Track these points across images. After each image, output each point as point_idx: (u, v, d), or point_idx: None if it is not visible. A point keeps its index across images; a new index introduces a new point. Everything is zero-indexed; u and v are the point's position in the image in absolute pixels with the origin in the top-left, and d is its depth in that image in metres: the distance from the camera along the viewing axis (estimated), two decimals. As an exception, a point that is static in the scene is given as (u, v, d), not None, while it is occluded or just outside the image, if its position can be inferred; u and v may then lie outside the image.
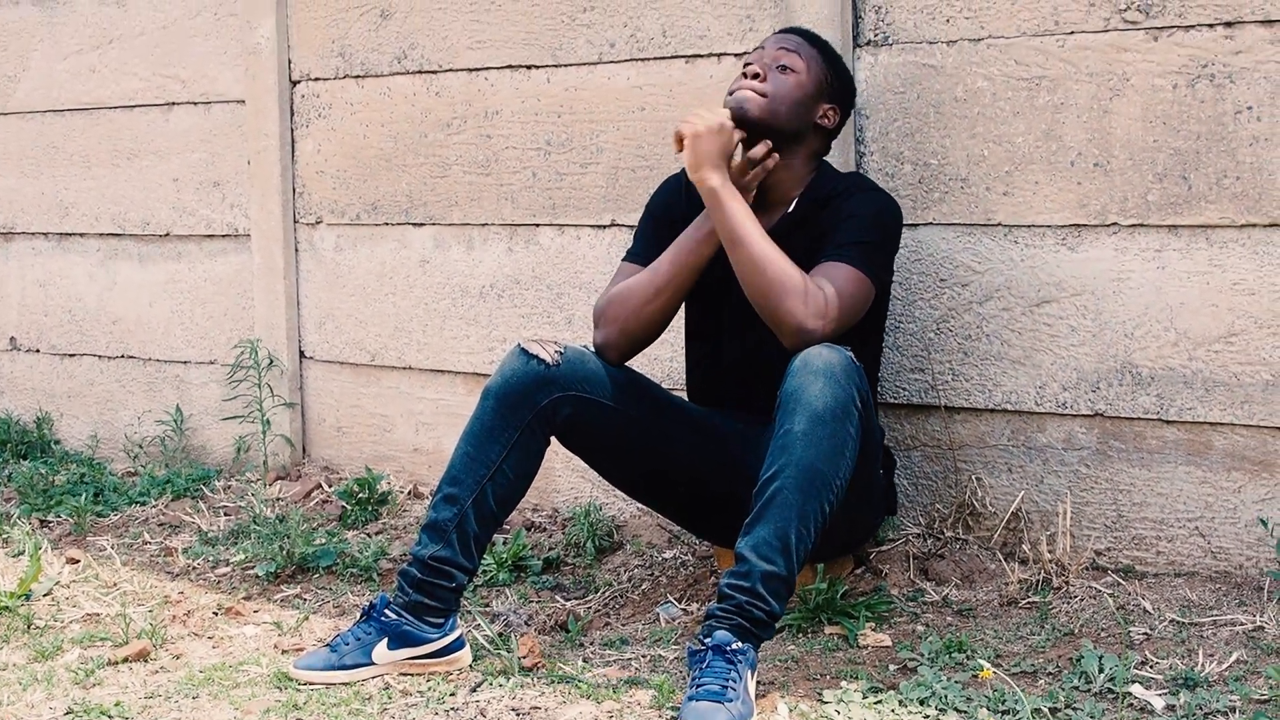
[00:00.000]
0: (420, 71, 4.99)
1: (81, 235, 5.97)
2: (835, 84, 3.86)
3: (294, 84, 5.32)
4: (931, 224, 4.08)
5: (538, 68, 4.72)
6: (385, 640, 3.62)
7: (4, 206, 6.17)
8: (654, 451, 3.80)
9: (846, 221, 3.71)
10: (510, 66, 4.78)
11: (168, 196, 5.68)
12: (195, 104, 5.58)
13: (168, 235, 5.71)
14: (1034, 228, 3.94)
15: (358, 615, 3.88)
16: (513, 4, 4.75)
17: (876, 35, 4.12)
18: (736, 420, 3.88)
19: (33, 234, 6.11)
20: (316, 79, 5.25)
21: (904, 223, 3.99)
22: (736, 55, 4.33)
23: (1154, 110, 3.75)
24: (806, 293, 3.53)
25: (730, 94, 3.78)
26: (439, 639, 3.64)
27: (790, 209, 3.83)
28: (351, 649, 3.63)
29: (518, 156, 4.78)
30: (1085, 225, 3.87)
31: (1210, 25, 3.67)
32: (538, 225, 4.75)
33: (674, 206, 3.94)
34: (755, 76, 3.78)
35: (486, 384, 3.69)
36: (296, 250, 5.37)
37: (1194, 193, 3.72)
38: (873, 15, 4.12)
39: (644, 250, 3.92)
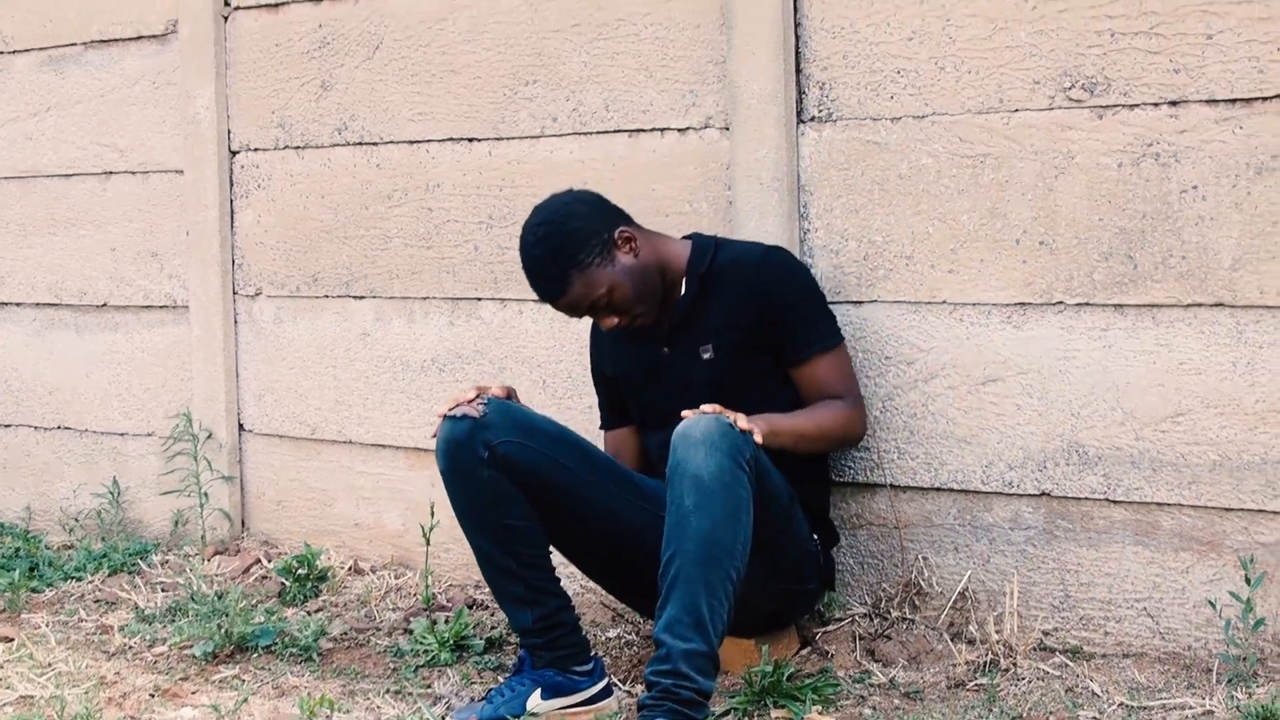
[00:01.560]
0: (361, 143, 4.95)
1: (17, 304, 5.89)
2: (594, 244, 3.77)
3: (233, 154, 5.27)
4: (876, 301, 4.05)
5: (479, 140, 4.68)
6: (539, 690, 3.75)
7: (-61, 275, 6.11)
8: (587, 502, 3.76)
9: (785, 311, 3.83)
10: (452, 139, 4.75)
11: (105, 266, 5.62)
12: (134, 173, 5.53)
13: (105, 305, 5.64)
14: (979, 306, 3.92)
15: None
16: (454, 77, 4.72)
17: (820, 111, 4.10)
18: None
19: (-32, 303, 6.04)
20: (256, 149, 5.21)
21: (849, 300, 4.00)
22: (680, 130, 4.31)
23: (1099, 189, 3.74)
24: (856, 418, 3.90)
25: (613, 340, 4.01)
26: (588, 688, 3.79)
27: (682, 292, 3.90)
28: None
29: (459, 230, 4.74)
30: (1031, 304, 3.85)
31: (1155, 104, 3.66)
32: (480, 299, 4.72)
33: (601, 360, 4.16)
34: (618, 327, 3.85)
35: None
36: (236, 322, 5.31)
37: (1140, 272, 3.70)
38: (816, 91, 4.10)
39: (610, 417, 4.19)
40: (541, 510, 3.76)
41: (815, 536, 3.90)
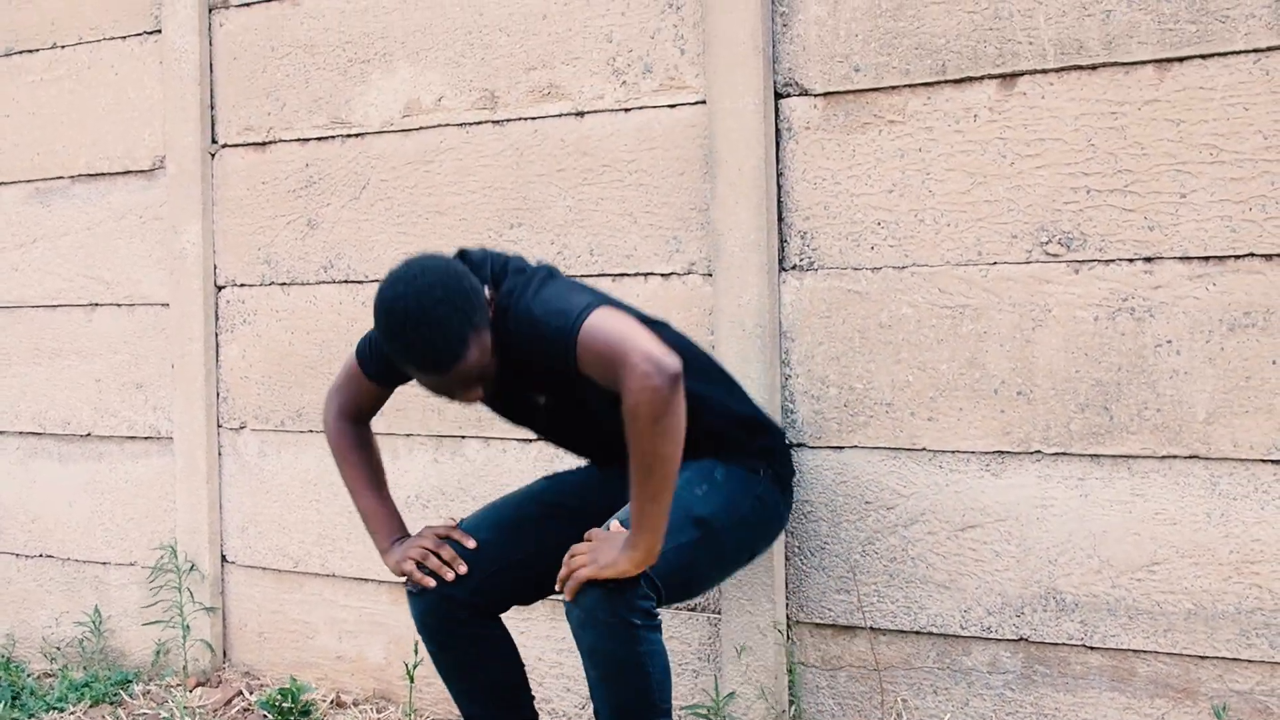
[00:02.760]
0: (347, 281, 5.01)
1: (1, 432, 5.93)
2: (478, 319, 3.47)
3: (219, 289, 5.33)
4: (857, 447, 4.11)
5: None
6: None
7: (-78, 401, 6.14)
8: (551, 553, 3.71)
9: (529, 336, 3.50)
10: (437, 279, 4.81)
11: (90, 397, 5.66)
12: (120, 305, 5.58)
13: (89, 435, 5.68)
14: (958, 453, 3.98)
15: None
16: (440, 218, 4.79)
17: (802, 260, 4.17)
18: (584, 473, 3.97)
19: (-49, 429, 6.08)
20: (242, 285, 5.27)
21: (830, 445, 4.07)
22: (663, 275, 4.38)
23: (1076, 341, 3.81)
24: (644, 395, 3.29)
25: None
26: None
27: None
28: None
29: (444, 368, 4.80)
30: (1009, 452, 3.91)
31: (1130, 260, 3.74)
32: (464, 437, 4.77)
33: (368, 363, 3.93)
34: (474, 400, 3.59)
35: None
36: (220, 454, 5.36)
37: (1116, 423, 3.77)
38: (798, 240, 4.18)
39: (376, 370, 3.91)
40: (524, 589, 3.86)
41: (763, 473, 3.83)
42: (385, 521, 3.92)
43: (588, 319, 3.41)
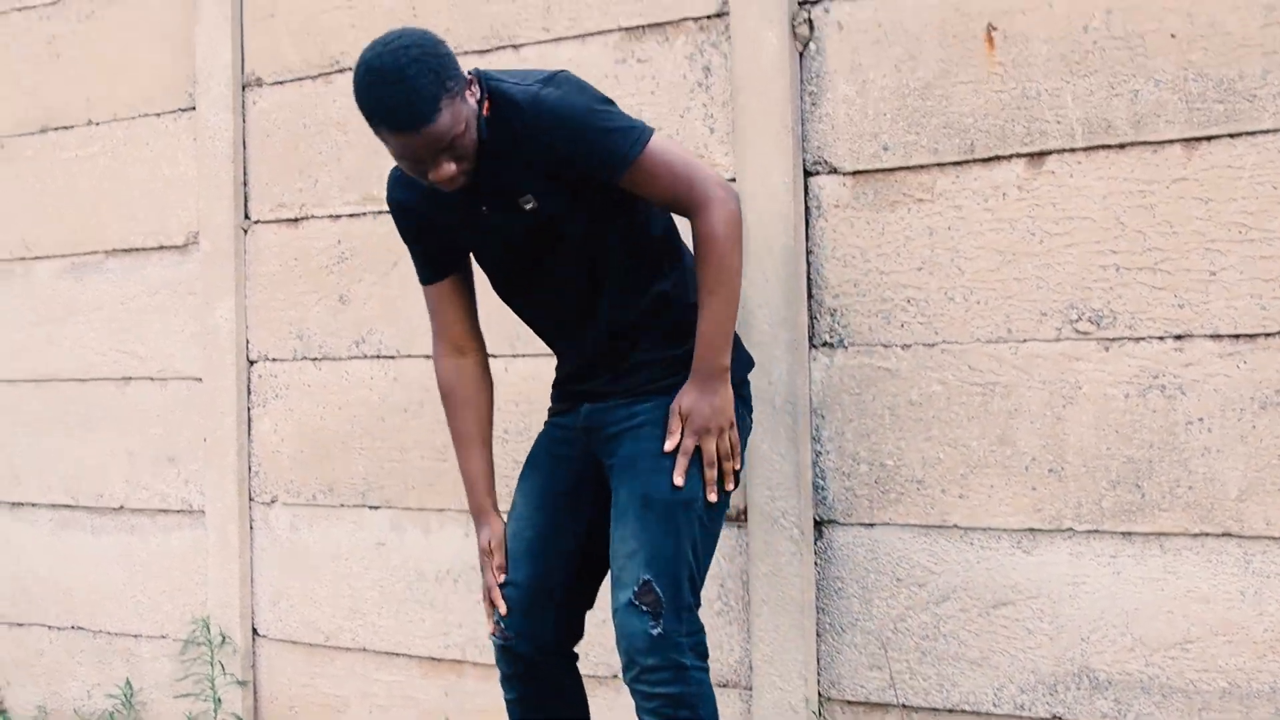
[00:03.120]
0: (378, 356, 5.04)
1: (34, 504, 5.96)
2: (453, 76, 3.46)
3: (251, 363, 5.36)
4: (888, 524, 4.12)
5: (495, 357, 4.75)
6: None
7: (-44, 474, 6.18)
8: (582, 546, 3.86)
9: (573, 149, 3.55)
10: (468, 355, 4.83)
11: (122, 469, 5.69)
12: (153, 379, 5.61)
13: (121, 508, 5.71)
14: (990, 530, 3.98)
15: None
16: (471, 294, 4.82)
17: (832, 337, 4.19)
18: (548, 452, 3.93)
19: (-16, 502, 6.11)
20: (274, 360, 5.29)
21: (861, 522, 4.08)
22: (694, 352, 4.39)
23: (1107, 418, 3.82)
24: (721, 215, 3.58)
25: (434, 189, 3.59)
26: None
27: (485, 139, 3.56)
28: None
29: (475, 444, 4.82)
30: (1040, 530, 3.91)
31: (1160, 338, 3.75)
32: (495, 512, 4.78)
33: (417, 214, 3.83)
34: (451, 180, 3.52)
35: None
36: (251, 528, 5.38)
37: (1147, 500, 3.77)
38: (828, 318, 4.19)
39: (432, 271, 3.89)
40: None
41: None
42: (470, 491, 3.98)
43: (653, 138, 3.58)
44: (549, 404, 3.99)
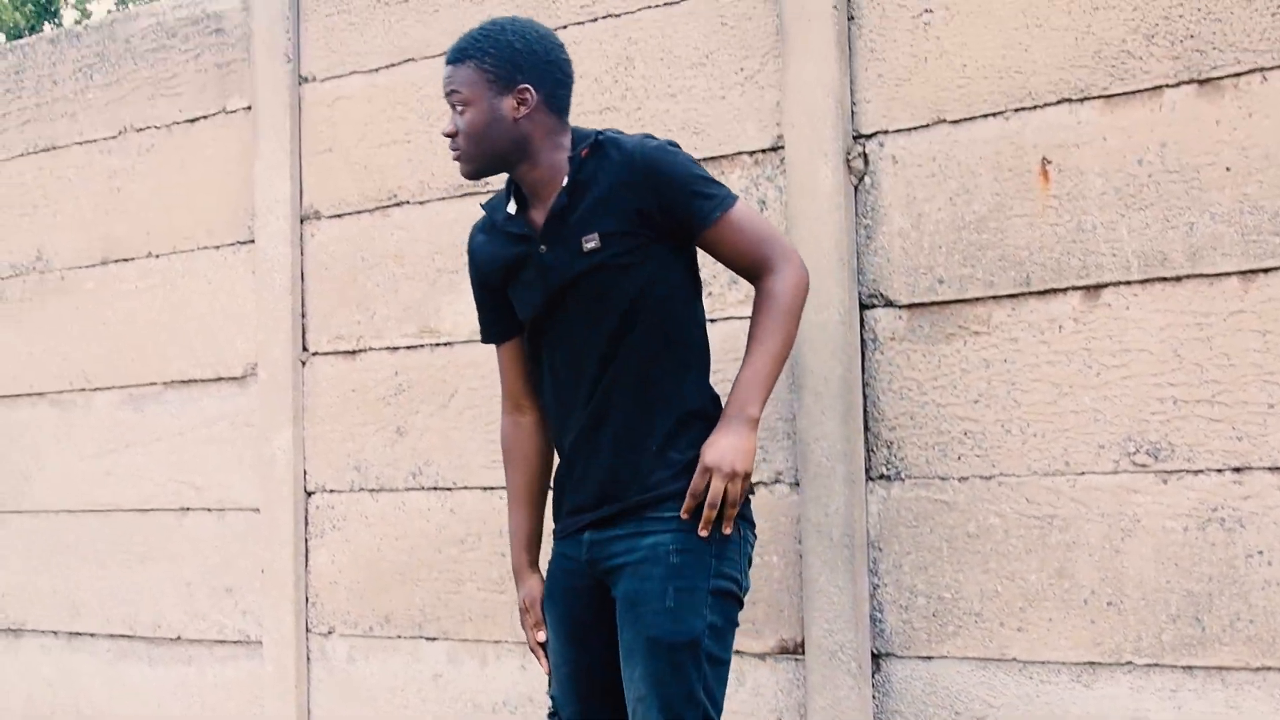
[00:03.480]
0: (435, 488, 5.05)
1: (91, 635, 5.98)
2: (506, 69, 3.71)
3: (309, 494, 5.38)
4: (946, 657, 4.10)
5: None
6: None
7: (14, 603, 6.20)
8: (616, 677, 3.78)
9: (670, 185, 3.66)
10: (525, 487, 4.85)
11: (180, 600, 5.71)
12: (210, 510, 5.64)
13: (178, 639, 5.72)
14: (1049, 664, 3.96)
15: None
16: (528, 426, 4.84)
17: (889, 470, 4.19)
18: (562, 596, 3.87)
19: (42, 632, 6.12)
20: (332, 491, 5.32)
21: (919, 655, 4.05)
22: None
23: (1165, 551, 3.81)
24: (790, 279, 3.68)
25: None
26: None
27: (564, 185, 3.71)
28: None
29: (532, 575, 4.82)
30: (1100, 663, 3.89)
31: (1219, 470, 3.74)
32: (552, 644, 4.78)
33: (479, 265, 3.95)
34: (451, 136, 3.77)
35: None
36: (308, 659, 5.38)
37: (1208, 634, 3.75)
38: (884, 450, 4.20)
39: (497, 330, 3.98)
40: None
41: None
42: (512, 548, 4.03)
43: (739, 202, 3.72)
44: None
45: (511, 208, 3.81)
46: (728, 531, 3.60)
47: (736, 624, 3.70)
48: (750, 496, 3.79)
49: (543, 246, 3.72)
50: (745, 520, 3.72)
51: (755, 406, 3.62)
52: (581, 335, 3.71)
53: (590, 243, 3.66)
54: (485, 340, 4.00)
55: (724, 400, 3.71)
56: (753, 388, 3.62)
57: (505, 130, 3.71)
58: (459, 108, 3.72)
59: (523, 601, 3.95)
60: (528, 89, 3.70)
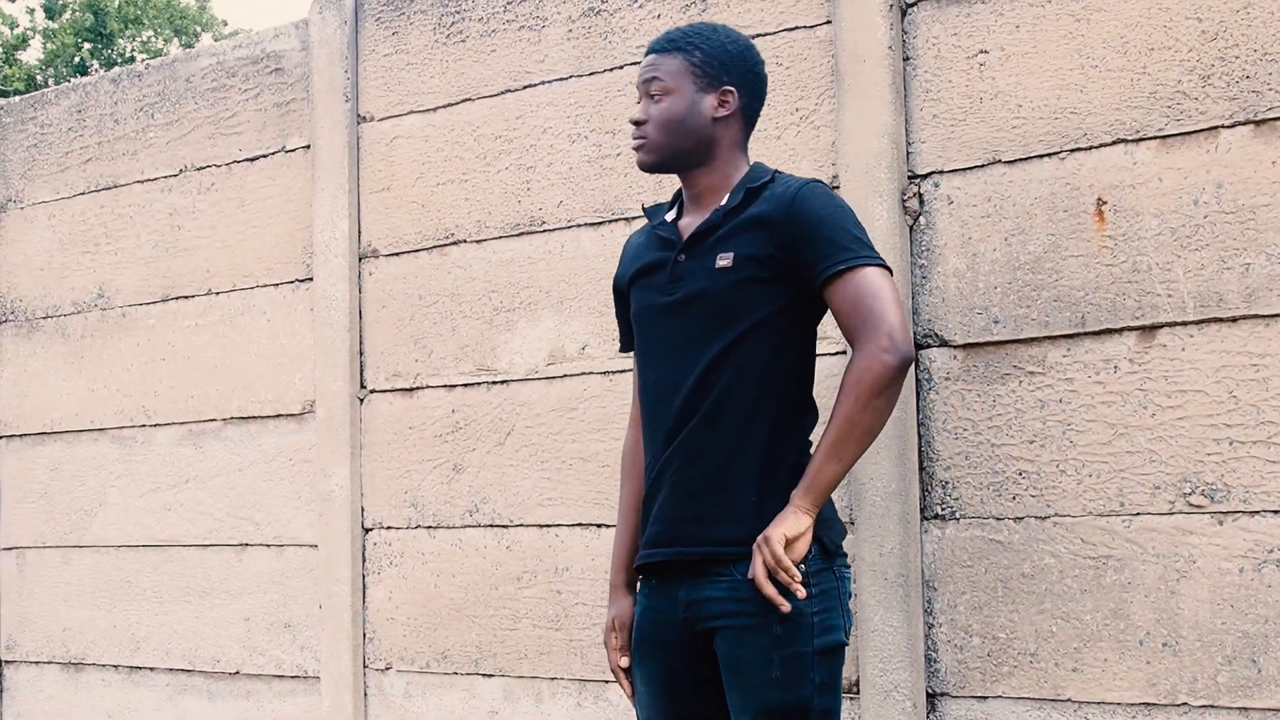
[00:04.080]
0: (492, 525, 5.08)
1: (151, 669, 6.02)
2: (714, 68, 3.69)
3: (366, 531, 5.42)
4: (1001, 697, 4.10)
5: (607, 526, 4.80)
6: None
7: (76, 638, 6.25)
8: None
9: (808, 227, 3.56)
10: (580, 524, 4.87)
11: (238, 635, 5.75)
12: (269, 546, 5.68)
13: (237, 674, 5.76)
14: (1104, 705, 3.96)
15: None
16: (583, 464, 4.86)
17: (944, 510, 4.19)
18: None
19: (103, 666, 6.17)
20: (389, 528, 5.35)
21: (974, 695, 4.06)
22: (805, 522, 4.41)
23: (1221, 593, 3.80)
24: (877, 363, 3.44)
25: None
26: None
27: (724, 200, 3.69)
28: None
29: (588, 613, 4.84)
30: (1156, 704, 3.89)
31: (1275, 511, 3.74)
32: (608, 682, 4.79)
33: (623, 273, 3.90)
34: (637, 124, 3.74)
35: None
36: (366, 695, 5.41)
37: (1264, 676, 3.74)
38: (940, 490, 4.20)
39: (629, 338, 3.92)
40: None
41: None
42: (615, 566, 3.94)
43: (878, 263, 3.54)
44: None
45: (670, 214, 3.79)
46: (802, 595, 3.44)
47: (842, 665, 3.61)
48: (846, 533, 3.75)
49: (682, 255, 3.68)
50: (838, 559, 3.62)
51: (803, 499, 3.47)
52: (688, 356, 3.63)
53: (724, 260, 3.60)
54: (623, 350, 3.99)
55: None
56: (806, 478, 3.49)
57: (699, 126, 3.69)
58: (656, 95, 3.69)
59: (612, 621, 3.86)
60: (731, 91, 3.69)
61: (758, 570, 3.43)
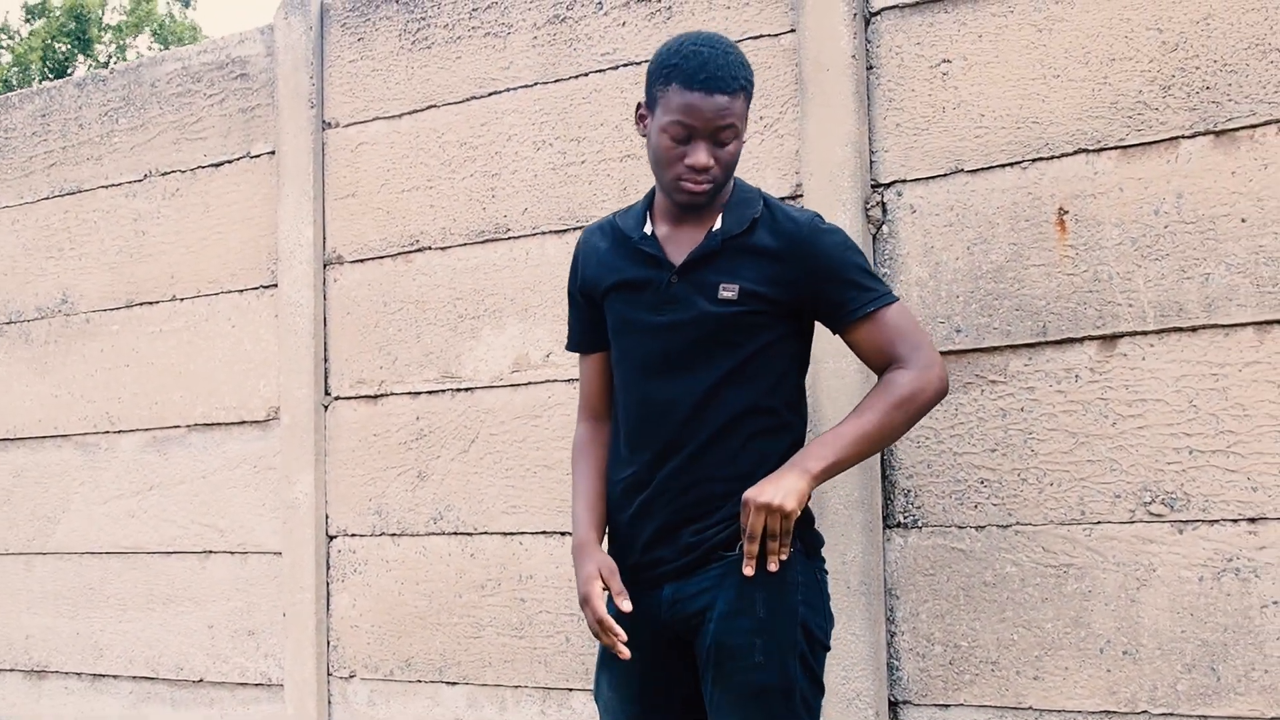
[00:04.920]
0: (456, 533, 5.08)
1: (115, 677, 6.01)
2: (751, 85, 3.57)
3: (330, 539, 5.41)
4: (962, 705, 4.11)
5: (570, 535, 4.79)
6: None
7: (39, 645, 6.23)
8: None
9: (834, 269, 3.55)
10: (544, 532, 4.87)
11: (202, 643, 5.74)
12: (232, 553, 5.67)
13: (201, 681, 5.75)
14: (1065, 713, 3.97)
15: None
16: (547, 471, 4.86)
17: (906, 518, 4.20)
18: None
19: (66, 673, 6.15)
20: (353, 535, 5.34)
21: (935, 703, 4.06)
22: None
23: (1181, 601, 3.81)
24: (928, 378, 3.51)
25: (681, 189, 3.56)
26: None
27: (717, 221, 3.60)
28: None
29: (551, 621, 4.84)
30: (1116, 712, 3.90)
31: (1234, 520, 3.75)
32: (571, 689, 4.79)
33: (587, 276, 3.82)
34: (703, 170, 3.52)
35: None
36: (329, 703, 5.40)
37: (1223, 684, 3.76)
38: (902, 498, 4.21)
39: (586, 340, 3.87)
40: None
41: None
42: (582, 527, 3.77)
43: (898, 301, 3.59)
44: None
45: (648, 228, 3.67)
46: (773, 568, 3.43)
47: (824, 661, 3.60)
48: (821, 537, 3.70)
49: (674, 278, 3.59)
50: (818, 560, 3.62)
51: (815, 462, 3.45)
52: (685, 378, 3.59)
53: (728, 292, 3.54)
54: (571, 348, 3.91)
55: None
56: (825, 445, 3.47)
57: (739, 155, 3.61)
58: (729, 141, 3.52)
59: (595, 571, 3.62)
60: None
61: (755, 529, 3.41)
